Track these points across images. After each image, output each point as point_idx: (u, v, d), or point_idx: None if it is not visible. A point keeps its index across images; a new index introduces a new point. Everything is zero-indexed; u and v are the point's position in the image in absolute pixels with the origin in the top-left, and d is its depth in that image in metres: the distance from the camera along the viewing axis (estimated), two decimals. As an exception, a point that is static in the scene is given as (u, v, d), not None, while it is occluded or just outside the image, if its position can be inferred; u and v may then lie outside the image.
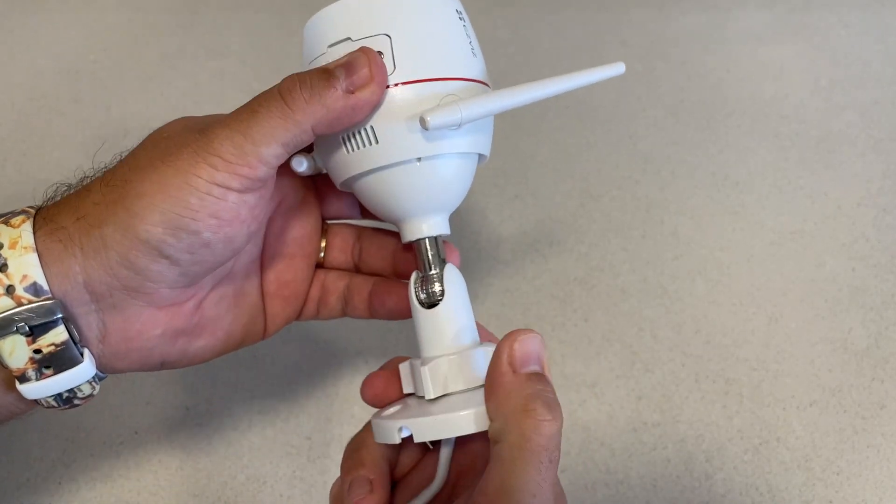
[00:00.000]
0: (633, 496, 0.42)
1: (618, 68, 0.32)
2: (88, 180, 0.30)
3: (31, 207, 0.29)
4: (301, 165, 0.32)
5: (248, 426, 0.44)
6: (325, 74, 0.28)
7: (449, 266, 0.32)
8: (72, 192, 0.30)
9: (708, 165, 0.55)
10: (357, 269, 0.37)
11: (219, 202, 0.27)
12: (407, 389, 0.32)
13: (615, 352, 0.47)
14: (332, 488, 0.31)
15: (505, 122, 0.58)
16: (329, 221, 0.38)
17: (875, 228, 0.52)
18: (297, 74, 0.28)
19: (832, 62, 0.62)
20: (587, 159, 0.56)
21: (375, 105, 0.29)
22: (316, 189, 0.36)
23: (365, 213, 0.37)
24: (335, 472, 0.43)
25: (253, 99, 0.28)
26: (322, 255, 0.37)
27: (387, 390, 0.32)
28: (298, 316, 0.36)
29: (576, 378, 0.46)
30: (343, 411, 0.45)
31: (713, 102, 0.59)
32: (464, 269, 0.51)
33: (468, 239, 0.52)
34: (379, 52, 0.29)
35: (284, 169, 0.32)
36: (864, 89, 0.60)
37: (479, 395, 0.28)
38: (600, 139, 0.57)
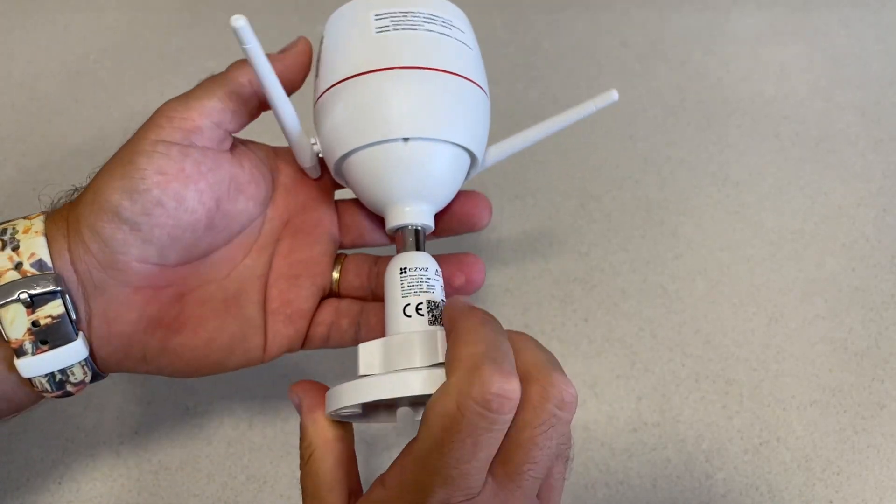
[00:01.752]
0: (633, 496, 0.42)
1: (611, 96, 0.34)
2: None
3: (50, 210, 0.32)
4: (308, 162, 0.34)
5: (249, 426, 0.44)
6: None
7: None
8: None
9: (708, 165, 0.56)
10: (374, 297, 0.37)
11: (162, 157, 0.29)
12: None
13: (615, 352, 0.47)
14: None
15: (505, 122, 0.58)
16: (347, 252, 0.38)
17: (875, 228, 0.52)
18: None
19: (832, 62, 0.62)
20: (587, 159, 0.56)
21: (301, 64, 0.33)
22: (339, 218, 0.37)
23: (383, 232, 0.37)
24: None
25: None
26: (337, 278, 0.36)
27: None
28: (304, 341, 0.36)
29: (576, 378, 0.46)
30: (343, 411, 0.45)
31: (713, 102, 0.59)
32: (464, 269, 0.51)
33: (468, 239, 0.52)
34: None
35: (291, 186, 0.35)
36: (864, 89, 0.60)
37: (395, 377, 0.28)
38: (600, 139, 0.57)
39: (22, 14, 0.65)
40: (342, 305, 0.36)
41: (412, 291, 0.30)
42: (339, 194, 0.38)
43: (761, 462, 0.43)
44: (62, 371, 0.30)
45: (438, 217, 0.35)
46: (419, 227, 0.32)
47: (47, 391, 0.30)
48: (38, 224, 0.30)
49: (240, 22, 0.27)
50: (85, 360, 0.30)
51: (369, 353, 0.29)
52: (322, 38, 0.34)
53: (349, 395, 0.28)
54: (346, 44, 0.32)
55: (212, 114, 0.31)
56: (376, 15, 0.32)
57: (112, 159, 0.30)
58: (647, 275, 0.50)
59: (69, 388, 0.31)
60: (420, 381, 0.27)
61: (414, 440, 0.26)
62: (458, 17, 0.34)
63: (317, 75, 0.34)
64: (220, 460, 0.43)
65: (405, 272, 0.31)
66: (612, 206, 0.53)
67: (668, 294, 0.49)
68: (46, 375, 0.30)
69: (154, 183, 0.29)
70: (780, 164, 0.56)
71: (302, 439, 0.30)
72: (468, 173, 0.35)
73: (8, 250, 0.29)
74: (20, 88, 0.60)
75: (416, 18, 0.32)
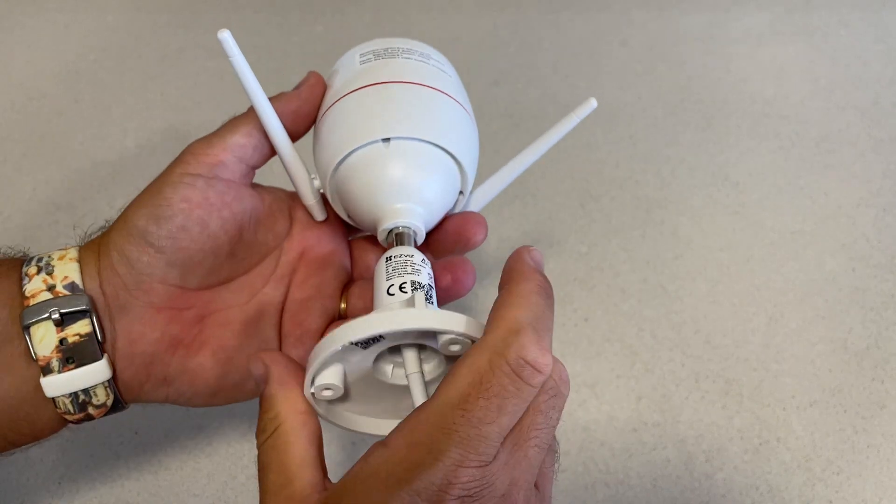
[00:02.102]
0: (633, 496, 0.42)
1: (590, 105, 0.35)
2: None
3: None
4: (310, 198, 0.35)
5: (249, 426, 0.44)
6: None
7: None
8: None
9: (708, 165, 0.56)
10: None
11: (188, 187, 0.31)
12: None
13: (615, 352, 0.47)
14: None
15: (505, 122, 0.58)
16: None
17: (875, 228, 0.52)
18: None
19: (832, 62, 0.62)
20: (587, 159, 0.56)
21: (317, 94, 0.34)
22: (350, 251, 0.38)
23: None
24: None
25: None
26: (344, 307, 0.37)
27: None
28: None
29: (576, 378, 0.46)
30: (343, 411, 0.45)
31: (713, 102, 0.59)
32: (464, 269, 0.51)
33: (468, 239, 0.52)
34: None
35: (307, 223, 0.37)
36: (864, 89, 0.60)
37: (381, 314, 0.27)
38: (600, 139, 0.57)
39: (22, 14, 0.65)
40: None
41: (396, 274, 0.30)
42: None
43: (761, 462, 0.43)
44: (85, 392, 0.31)
45: (432, 238, 0.35)
46: (410, 229, 0.32)
47: (69, 412, 0.31)
48: (73, 252, 0.32)
49: (223, 34, 0.29)
50: (108, 381, 0.31)
51: None
52: None
53: (333, 339, 0.26)
54: (333, 83, 0.35)
55: (235, 149, 0.32)
56: (361, 54, 0.35)
57: (142, 192, 0.32)
58: (647, 275, 0.50)
59: (91, 410, 0.31)
60: (409, 316, 0.26)
61: (429, 400, 0.25)
62: (437, 54, 0.37)
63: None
64: (220, 460, 0.43)
65: (390, 260, 0.30)
66: (612, 206, 0.53)
67: (668, 294, 0.49)
68: (70, 396, 0.30)
69: (179, 209, 0.31)
70: (780, 164, 0.56)
71: (265, 410, 0.28)
72: (461, 192, 0.35)
73: (43, 274, 0.31)
74: (20, 88, 0.60)
75: (396, 51, 0.35)
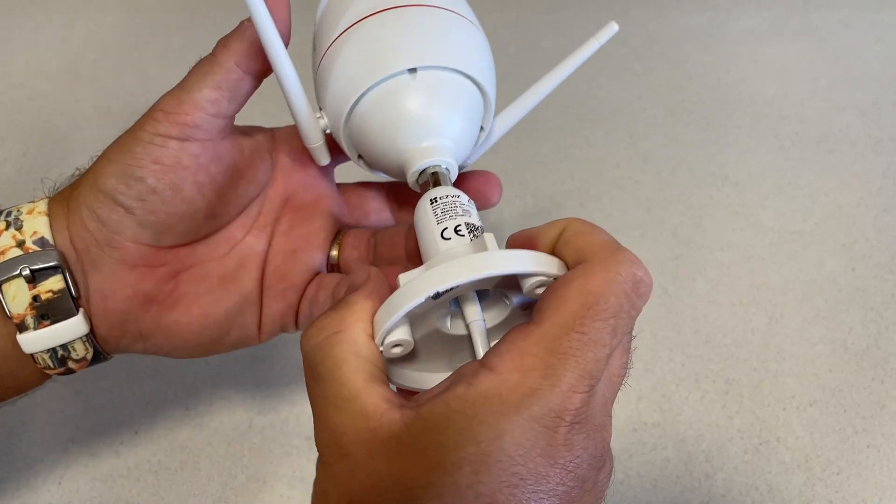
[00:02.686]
0: (633, 496, 0.42)
1: (612, 28, 0.33)
2: None
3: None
4: (315, 140, 0.32)
5: (248, 426, 0.44)
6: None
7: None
8: None
9: (708, 165, 0.56)
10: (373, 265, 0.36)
11: (159, 149, 0.30)
12: None
13: (615, 352, 0.47)
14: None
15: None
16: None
17: (875, 228, 0.52)
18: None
19: (832, 62, 0.62)
20: (587, 159, 0.56)
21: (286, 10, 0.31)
22: (346, 198, 0.37)
23: (391, 207, 0.37)
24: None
25: None
26: (336, 254, 0.36)
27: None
28: (296, 319, 0.35)
29: (576, 378, 0.46)
30: (343, 411, 0.45)
31: (713, 102, 0.59)
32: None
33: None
34: None
35: (290, 166, 0.35)
36: (864, 89, 0.60)
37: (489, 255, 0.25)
38: (600, 139, 0.57)
39: (22, 14, 0.65)
40: (325, 279, 0.35)
41: (447, 216, 0.28)
42: (339, 177, 0.37)
43: (761, 462, 0.43)
44: (63, 347, 0.30)
45: None
46: (444, 167, 0.30)
47: (49, 367, 0.31)
48: (42, 206, 0.31)
49: None
50: (86, 336, 0.31)
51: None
52: (318, 16, 0.34)
53: (412, 291, 0.24)
54: (340, 4, 0.32)
55: (206, 106, 0.30)
56: None
57: (112, 145, 0.31)
58: (647, 275, 0.50)
59: (71, 364, 0.31)
60: (505, 258, 0.24)
61: (530, 324, 0.23)
62: None
63: (314, 49, 0.33)
64: (220, 460, 0.43)
65: (436, 201, 0.28)
66: (612, 206, 0.53)
67: (668, 294, 0.49)
68: (48, 351, 0.30)
69: (150, 172, 0.30)
70: (780, 164, 0.56)
71: (336, 309, 0.25)
72: (482, 126, 0.33)
73: (12, 230, 0.30)
74: (20, 88, 0.60)
75: None
